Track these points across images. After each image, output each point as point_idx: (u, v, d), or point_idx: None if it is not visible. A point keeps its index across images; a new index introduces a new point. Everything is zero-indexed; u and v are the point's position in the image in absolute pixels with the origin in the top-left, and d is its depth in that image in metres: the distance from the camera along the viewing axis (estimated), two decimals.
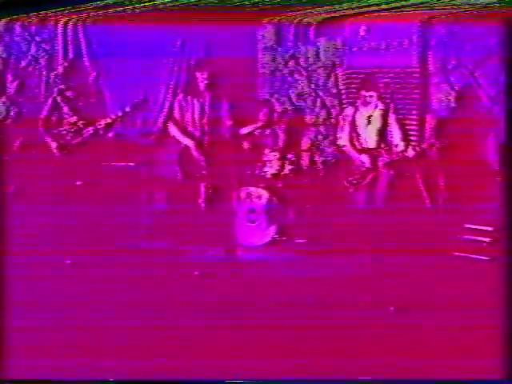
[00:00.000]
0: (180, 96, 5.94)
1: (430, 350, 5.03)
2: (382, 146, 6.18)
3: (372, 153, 6.23)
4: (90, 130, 5.71)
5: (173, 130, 6.02)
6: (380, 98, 6.21)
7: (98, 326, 5.40)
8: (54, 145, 6.02)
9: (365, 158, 6.22)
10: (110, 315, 5.74)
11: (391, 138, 6.16)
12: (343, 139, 6.30)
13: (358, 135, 6.25)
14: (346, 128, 6.33)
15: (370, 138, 6.22)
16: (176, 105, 5.96)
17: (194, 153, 5.94)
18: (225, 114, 5.97)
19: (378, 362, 5.09)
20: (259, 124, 6.27)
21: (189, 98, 5.93)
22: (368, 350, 5.14)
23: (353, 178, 6.25)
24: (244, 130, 6.10)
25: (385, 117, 6.15)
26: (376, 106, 6.19)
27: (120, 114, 5.70)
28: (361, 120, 6.23)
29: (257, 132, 6.18)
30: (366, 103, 6.23)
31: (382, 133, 6.19)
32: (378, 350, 5.18)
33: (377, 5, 6.69)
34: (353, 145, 6.29)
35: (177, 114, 6.00)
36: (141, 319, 5.40)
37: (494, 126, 6.76)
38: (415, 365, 4.82)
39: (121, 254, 6.26)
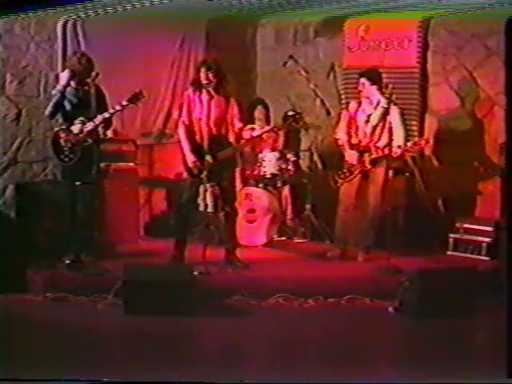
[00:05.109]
0: (179, 96, 5.92)
1: (429, 351, 5.04)
2: (378, 143, 6.16)
3: (363, 149, 6.19)
4: (89, 126, 5.68)
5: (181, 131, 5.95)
6: (381, 97, 6.20)
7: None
8: (54, 144, 6.00)
9: (354, 154, 6.19)
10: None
11: (391, 136, 6.14)
12: (340, 132, 6.29)
13: (356, 130, 6.23)
14: (345, 122, 6.30)
15: (366, 134, 6.20)
16: (175, 105, 5.95)
17: (193, 153, 5.91)
18: (223, 113, 5.95)
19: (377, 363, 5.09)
20: (267, 128, 6.24)
21: (188, 97, 5.92)
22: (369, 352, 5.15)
23: (341, 172, 6.24)
24: (252, 133, 6.06)
25: (384, 115, 6.13)
26: (377, 105, 6.16)
27: (118, 107, 5.65)
28: (361, 117, 6.21)
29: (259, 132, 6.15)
30: (368, 101, 6.21)
31: (379, 131, 6.16)
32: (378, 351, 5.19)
33: (376, 4, 6.68)
34: (349, 139, 6.26)
35: (176, 114, 5.99)
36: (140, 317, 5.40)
37: (494, 126, 6.79)
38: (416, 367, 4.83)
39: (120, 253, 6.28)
